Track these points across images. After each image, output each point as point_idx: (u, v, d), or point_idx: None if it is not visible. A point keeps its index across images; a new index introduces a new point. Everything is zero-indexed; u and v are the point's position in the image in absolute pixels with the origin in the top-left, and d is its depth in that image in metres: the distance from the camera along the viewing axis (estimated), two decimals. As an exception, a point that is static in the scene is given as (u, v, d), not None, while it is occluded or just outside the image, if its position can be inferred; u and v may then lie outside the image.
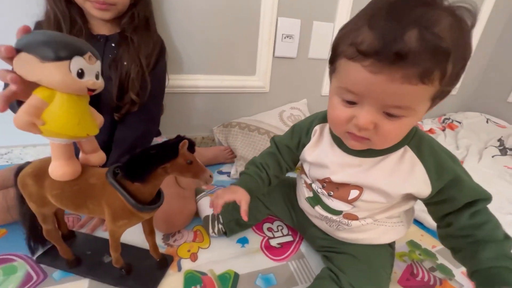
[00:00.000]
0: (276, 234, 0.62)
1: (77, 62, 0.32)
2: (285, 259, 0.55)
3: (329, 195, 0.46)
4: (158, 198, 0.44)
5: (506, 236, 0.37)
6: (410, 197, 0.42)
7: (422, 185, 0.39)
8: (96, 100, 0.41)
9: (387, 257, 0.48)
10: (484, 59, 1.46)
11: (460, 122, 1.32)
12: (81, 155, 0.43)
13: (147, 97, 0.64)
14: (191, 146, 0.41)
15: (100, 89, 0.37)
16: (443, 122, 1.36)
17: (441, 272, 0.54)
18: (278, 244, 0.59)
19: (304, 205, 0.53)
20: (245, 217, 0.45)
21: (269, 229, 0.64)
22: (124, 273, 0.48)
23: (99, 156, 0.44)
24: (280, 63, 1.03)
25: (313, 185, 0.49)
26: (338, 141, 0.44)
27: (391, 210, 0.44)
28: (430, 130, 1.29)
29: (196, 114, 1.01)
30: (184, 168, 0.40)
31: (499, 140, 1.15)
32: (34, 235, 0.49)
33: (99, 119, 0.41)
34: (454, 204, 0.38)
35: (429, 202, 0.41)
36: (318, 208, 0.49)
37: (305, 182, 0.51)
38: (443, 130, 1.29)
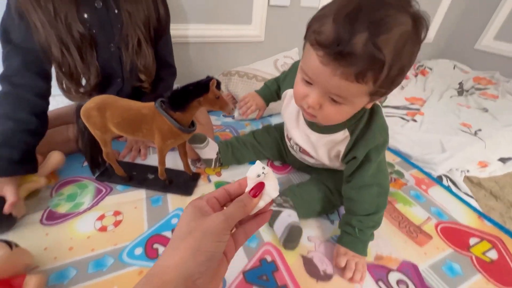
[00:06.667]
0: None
1: None
2: (287, 172, 0.74)
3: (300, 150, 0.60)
4: (192, 125, 0.58)
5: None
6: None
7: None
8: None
9: None
10: (459, 9, 1.56)
11: (431, 69, 1.48)
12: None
13: (168, 54, 0.75)
14: (218, 85, 0.54)
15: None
16: (417, 68, 1.52)
17: (395, 175, 0.76)
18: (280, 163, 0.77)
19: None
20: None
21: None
22: (167, 183, 0.64)
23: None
24: (274, 12, 1.09)
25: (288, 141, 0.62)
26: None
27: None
28: (405, 77, 1.45)
29: (196, 63, 1.09)
30: (213, 101, 0.53)
31: (460, 83, 1.34)
32: (93, 160, 0.63)
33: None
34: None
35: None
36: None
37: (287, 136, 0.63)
38: (416, 75, 1.45)
